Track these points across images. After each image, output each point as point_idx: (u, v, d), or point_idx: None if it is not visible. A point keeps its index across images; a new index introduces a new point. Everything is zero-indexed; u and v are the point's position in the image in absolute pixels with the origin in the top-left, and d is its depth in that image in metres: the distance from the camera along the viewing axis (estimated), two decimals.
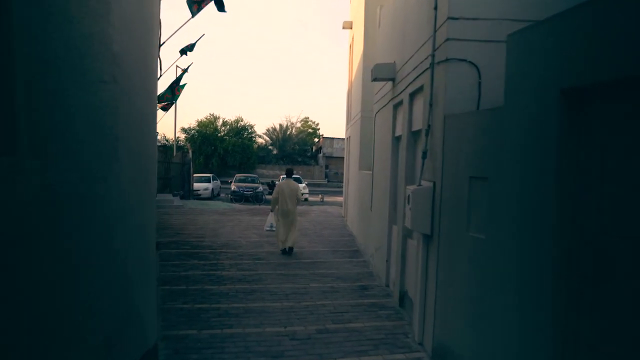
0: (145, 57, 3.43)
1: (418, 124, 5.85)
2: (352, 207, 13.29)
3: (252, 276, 7.91)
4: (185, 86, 16.62)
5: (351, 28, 15.47)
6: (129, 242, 2.67)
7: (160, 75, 13.84)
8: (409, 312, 6.06)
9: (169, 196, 19.25)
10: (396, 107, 7.39)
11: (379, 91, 9.01)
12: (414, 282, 5.56)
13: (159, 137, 35.97)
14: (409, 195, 5.08)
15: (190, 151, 26.87)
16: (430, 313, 4.90)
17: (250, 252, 9.88)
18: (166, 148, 27.15)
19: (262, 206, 19.72)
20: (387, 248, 7.63)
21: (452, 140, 4.50)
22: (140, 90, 3.26)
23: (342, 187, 19.26)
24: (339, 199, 26.18)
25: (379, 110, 9.04)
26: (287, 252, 9.74)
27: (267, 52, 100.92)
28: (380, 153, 8.67)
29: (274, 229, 10.18)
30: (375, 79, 7.57)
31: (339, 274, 8.33)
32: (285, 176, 11.10)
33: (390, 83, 7.77)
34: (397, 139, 7.45)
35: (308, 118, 55.65)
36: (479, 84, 4.57)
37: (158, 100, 16.25)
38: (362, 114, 12.03)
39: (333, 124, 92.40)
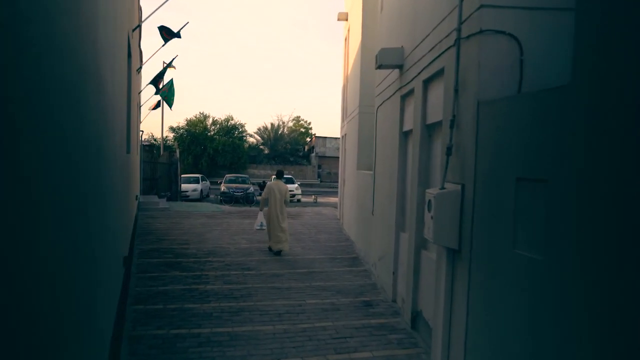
0: (83, 9, 2.43)
1: (436, 115, 4.94)
2: (349, 209, 12.36)
3: (240, 290, 6.95)
4: (173, 83, 15.55)
5: (347, 20, 14.50)
6: (56, 280, 1.70)
7: (140, 67, 12.82)
8: (425, 338, 5.15)
9: (155, 198, 18.26)
10: (404, 97, 6.48)
11: (381, 82, 8.09)
12: (434, 304, 4.65)
13: (145, 137, 34.86)
14: (429, 201, 4.16)
15: (177, 150, 25.77)
16: (458, 346, 3.99)
17: (238, 260, 8.91)
18: (153, 147, 26.03)
19: (253, 208, 18.69)
20: (394, 258, 6.72)
21: (489, 132, 3.59)
22: (76, 56, 2.26)
23: (336, 187, 18.36)
24: (333, 199, 25.24)
25: (381, 104, 8.12)
26: (276, 253, 9.48)
27: (259, 50, 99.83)
28: (384, 151, 7.76)
29: (264, 227, 9.90)
30: (380, 66, 6.65)
31: (338, 286, 7.40)
32: (275, 177, 10.56)
33: (396, 72, 6.86)
34: (405, 135, 6.55)
35: (300, 117, 54.57)
36: (521, 61, 3.67)
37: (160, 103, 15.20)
38: (360, 110, 11.10)
39: (326, 123, 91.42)
